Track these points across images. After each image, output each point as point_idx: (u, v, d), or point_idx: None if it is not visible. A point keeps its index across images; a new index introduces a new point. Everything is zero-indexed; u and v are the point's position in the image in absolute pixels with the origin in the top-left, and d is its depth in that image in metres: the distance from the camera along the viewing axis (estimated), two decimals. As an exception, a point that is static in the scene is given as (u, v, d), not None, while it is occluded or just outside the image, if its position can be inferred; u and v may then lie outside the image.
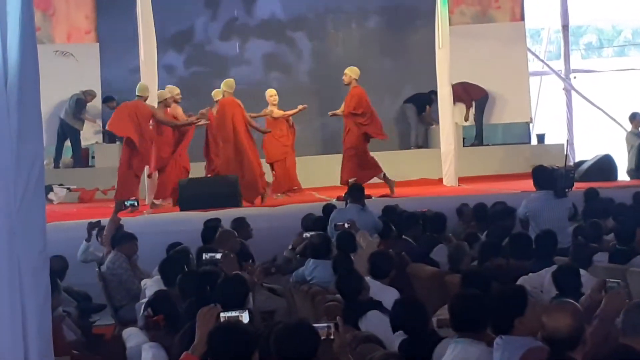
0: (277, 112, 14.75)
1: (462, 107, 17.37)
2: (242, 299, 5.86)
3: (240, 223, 9.76)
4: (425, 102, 17.43)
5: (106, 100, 17.01)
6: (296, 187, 14.97)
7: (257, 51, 18.14)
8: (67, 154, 16.88)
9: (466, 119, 17.58)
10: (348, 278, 6.40)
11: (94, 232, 9.80)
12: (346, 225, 8.93)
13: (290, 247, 9.20)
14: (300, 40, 18.27)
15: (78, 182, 15.75)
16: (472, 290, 5.25)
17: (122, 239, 9.11)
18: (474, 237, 8.84)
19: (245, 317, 4.71)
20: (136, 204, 10.20)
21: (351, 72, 13.83)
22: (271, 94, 14.86)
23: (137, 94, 13.22)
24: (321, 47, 18.45)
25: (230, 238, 8.82)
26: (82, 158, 16.87)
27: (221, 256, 7.52)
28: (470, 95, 17.43)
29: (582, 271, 6.32)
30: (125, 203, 9.96)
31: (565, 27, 19.59)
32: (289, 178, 15.00)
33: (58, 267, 8.52)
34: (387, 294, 6.63)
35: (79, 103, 16.57)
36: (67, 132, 16.53)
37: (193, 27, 18.13)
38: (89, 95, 16.75)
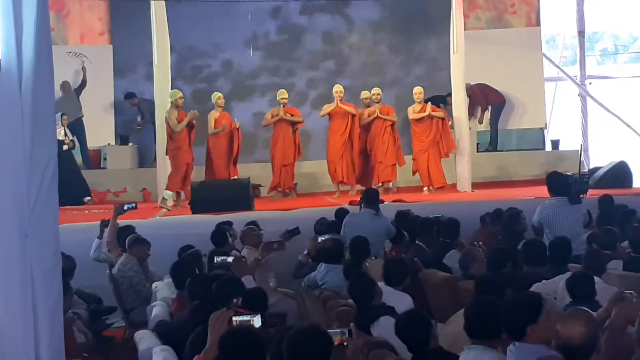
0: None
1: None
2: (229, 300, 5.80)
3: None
4: (437, 103, 17.38)
5: (127, 96, 17.02)
6: (430, 186, 15.27)
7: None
8: (76, 154, 16.90)
9: (480, 122, 17.53)
10: (361, 283, 6.36)
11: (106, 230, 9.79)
12: (325, 237, 8.80)
13: (305, 251, 9.15)
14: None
15: (90, 184, 15.76)
16: (488, 296, 5.21)
17: (134, 242, 9.10)
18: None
19: (257, 322, 4.69)
20: (134, 205, 10.22)
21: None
22: (416, 91, 15.50)
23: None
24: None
25: (251, 233, 9.13)
26: (92, 159, 16.89)
27: (233, 259, 7.50)
28: (488, 98, 17.38)
29: (596, 279, 6.26)
30: (124, 207, 9.93)
31: (581, 33, 19.52)
32: (427, 175, 15.28)
33: (66, 267, 8.49)
34: (400, 300, 6.59)
35: (77, 91, 16.83)
36: (73, 130, 16.54)
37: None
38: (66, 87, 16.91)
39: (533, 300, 4.76)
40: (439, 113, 15.40)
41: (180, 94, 14.74)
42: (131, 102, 17.04)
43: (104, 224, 9.68)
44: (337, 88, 15.53)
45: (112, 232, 9.52)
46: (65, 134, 15.25)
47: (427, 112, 15.27)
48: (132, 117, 17.37)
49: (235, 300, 5.73)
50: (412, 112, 15.46)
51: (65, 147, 15.03)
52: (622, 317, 4.72)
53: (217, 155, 14.89)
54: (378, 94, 15.51)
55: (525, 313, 4.62)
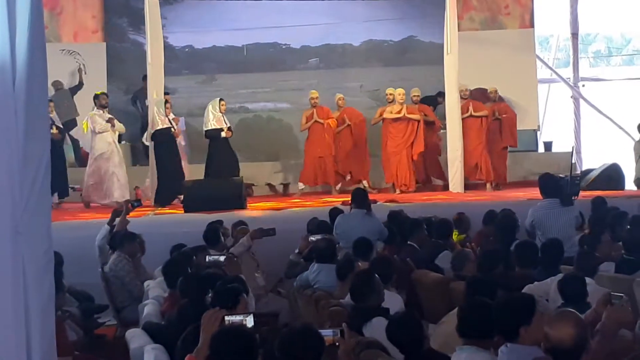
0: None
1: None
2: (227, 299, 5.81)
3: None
4: (430, 104, 17.39)
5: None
6: (403, 186, 15.42)
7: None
8: (69, 152, 16.83)
9: None
10: (366, 284, 6.32)
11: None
12: (317, 237, 8.81)
13: (296, 250, 9.16)
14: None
15: (82, 182, 15.67)
16: (481, 298, 5.22)
17: (123, 241, 9.09)
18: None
19: (249, 322, 4.68)
20: (137, 203, 10.26)
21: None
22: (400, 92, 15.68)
23: None
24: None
25: (245, 232, 9.14)
26: (85, 157, 16.77)
27: (225, 259, 7.50)
28: (488, 98, 17.34)
29: (588, 280, 6.27)
30: (130, 204, 9.99)
31: (574, 34, 19.57)
32: (396, 175, 15.45)
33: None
34: (390, 300, 6.58)
35: (72, 91, 16.60)
36: (66, 128, 16.41)
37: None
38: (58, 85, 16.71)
39: (526, 301, 4.76)
40: (415, 115, 15.51)
41: (314, 94, 15.50)
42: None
43: (116, 214, 9.71)
44: (399, 91, 15.68)
45: (120, 228, 9.51)
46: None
47: (402, 114, 15.41)
48: (126, 116, 17.28)
49: (209, 296, 5.75)
50: (389, 112, 15.57)
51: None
52: (613, 321, 4.72)
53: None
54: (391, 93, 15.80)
55: (519, 314, 4.63)
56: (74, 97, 16.71)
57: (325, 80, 17.95)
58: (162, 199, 13.80)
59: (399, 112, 15.45)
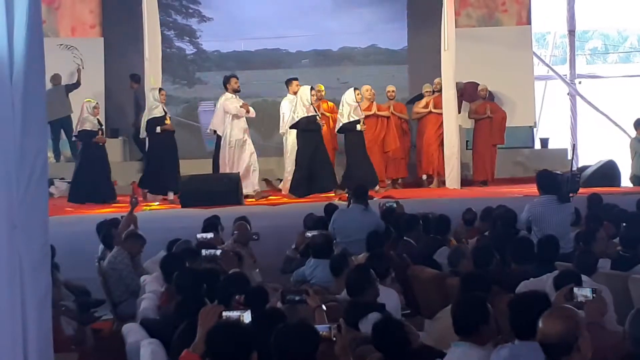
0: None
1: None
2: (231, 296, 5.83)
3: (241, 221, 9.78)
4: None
5: (132, 77, 16.61)
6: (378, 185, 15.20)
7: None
8: (65, 147, 16.80)
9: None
10: (361, 278, 6.31)
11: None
12: (314, 233, 8.82)
13: (293, 246, 9.16)
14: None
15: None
16: (476, 293, 5.21)
17: (128, 237, 9.07)
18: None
19: (246, 317, 4.68)
20: (136, 199, 10.27)
21: None
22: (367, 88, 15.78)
23: None
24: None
25: (244, 229, 9.20)
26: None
27: (220, 253, 7.51)
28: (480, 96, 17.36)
29: (584, 277, 6.27)
30: (133, 200, 10.02)
31: (571, 32, 19.57)
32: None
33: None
34: (386, 296, 6.58)
35: (67, 88, 16.53)
36: (62, 124, 16.40)
37: None
38: (57, 79, 16.61)
39: (544, 298, 4.79)
40: (385, 112, 15.73)
41: (320, 87, 15.48)
42: (132, 85, 16.69)
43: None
44: (366, 87, 15.75)
45: (126, 223, 9.50)
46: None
47: (372, 111, 15.63)
48: (124, 109, 17.26)
49: (237, 297, 5.74)
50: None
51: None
52: (594, 313, 4.86)
53: None
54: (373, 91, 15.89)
55: (539, 312, 4.63)
56: (69, 94, 16.62)
57: (313, 76, 18.35)
58: (295, 189, 13.89)
59: (368, 109, 15.55)
